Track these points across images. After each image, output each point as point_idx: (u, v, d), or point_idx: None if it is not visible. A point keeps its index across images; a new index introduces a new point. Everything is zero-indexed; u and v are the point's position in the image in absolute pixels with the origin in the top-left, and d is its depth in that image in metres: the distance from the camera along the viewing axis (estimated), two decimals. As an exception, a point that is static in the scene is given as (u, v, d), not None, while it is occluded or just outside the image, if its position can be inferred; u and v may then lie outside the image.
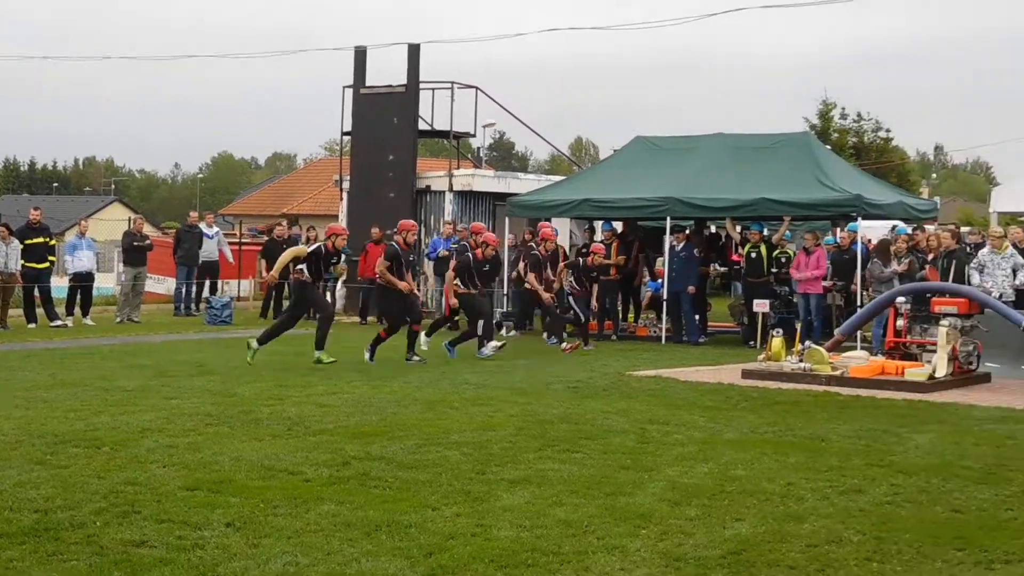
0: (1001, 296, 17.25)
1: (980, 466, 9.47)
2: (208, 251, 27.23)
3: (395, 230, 18.26)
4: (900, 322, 16.25)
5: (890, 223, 23.15)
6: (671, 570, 6.47)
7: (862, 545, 6.99)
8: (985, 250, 18.39)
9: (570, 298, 20.53)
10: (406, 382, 14.52)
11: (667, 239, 21.71)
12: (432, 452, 9.70)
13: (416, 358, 17.04)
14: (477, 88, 28.72)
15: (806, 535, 7.21)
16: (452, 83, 28.09)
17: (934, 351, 15.26)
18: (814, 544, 7.00)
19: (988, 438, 10.87)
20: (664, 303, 21.83)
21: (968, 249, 19.46)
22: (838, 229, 22.54)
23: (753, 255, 21.16)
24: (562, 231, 25.85)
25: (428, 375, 15.41)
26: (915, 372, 14.92)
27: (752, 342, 20.47)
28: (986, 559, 6.72)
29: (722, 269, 25.62)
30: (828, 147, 33.40)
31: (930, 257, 19.47)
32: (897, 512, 7.87)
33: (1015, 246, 18.63)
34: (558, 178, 29.29)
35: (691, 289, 21.48)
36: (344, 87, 28.65)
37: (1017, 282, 17.83)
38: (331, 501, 7.88)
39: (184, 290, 27.00)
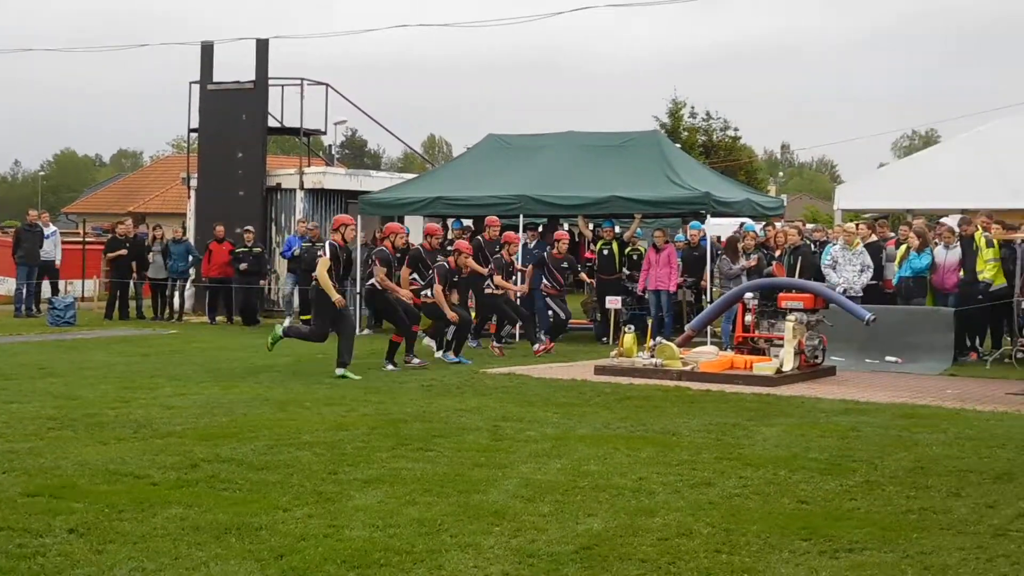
0: (846, 292, 17.73)
1: (825, 458, 9.70)
2: (47, 251, 26.57)
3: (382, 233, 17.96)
4: (748, 317, 16.61)
5: (738, 220, 23.64)
6: (524, 566, 6.48)
7: (712, 537, 7.10)
8: (837, 247, 18.87)
9: (547, 299, 20.33)
10: (257, 382, 14.34)
11: (520, 237, 21.80)
12: (283, 453, 9.58)
13: (416, 360, 16.50)
14: (328, 85, 28.52)
15: (657, 528, 7.29)
16: (302, 79, 27.82)
17: (781, 346, 15.61)
18: (665, 537, 7.09)
19: (833, 430, 11.14)
20: (519, 300, 21.88)
21: (813, 246, 19.96)
22: (687, 226, 22.92)
23: (605, 252, 21.42)
24: (415, 230, 25.76)
25: (279, 375, 15.23)
26: (763, 367, 15.25)
27: (605, 338, 20.71)
28: (831, 548, 6.88)
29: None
30: (678, 145, 34.03)
31: (777, 253, 19.90)
32: (745, 504, 8.01)
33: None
34: (411, 176, 29.23)
35: (544, 285, 21.58)
36: (191, 83, 28.18)
37: (863, 280, 18.34)
38: (179, 504, 7.72)
39: (25, 291, 26.24)
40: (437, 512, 7.63)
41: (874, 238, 19.60)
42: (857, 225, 21.00)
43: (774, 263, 19.68)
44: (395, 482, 8.55)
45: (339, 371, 15.06)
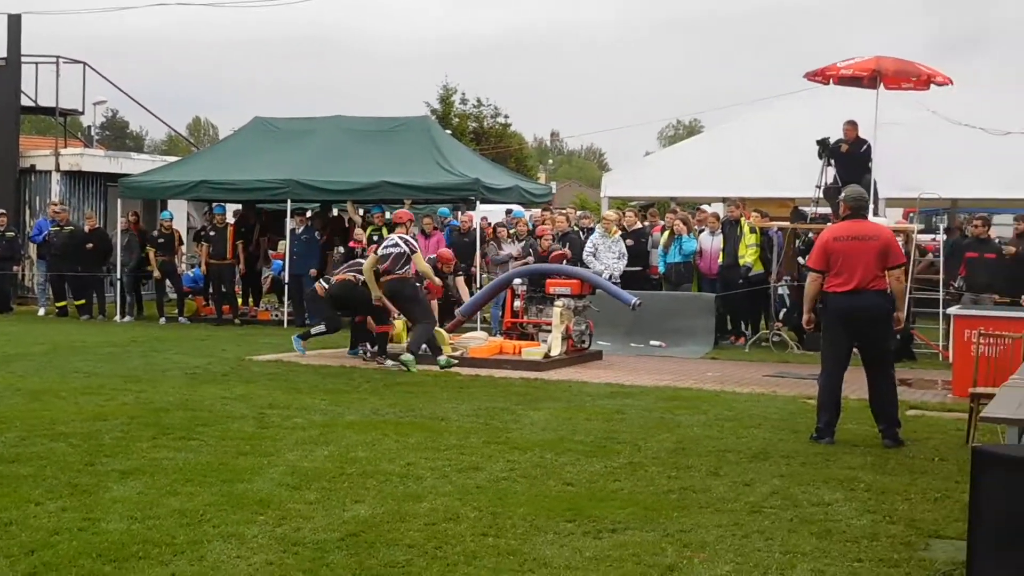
0: (611, 277, 18.13)
1: (591, 440, 9.90)
2: None
3: None
4: (517, 303, 16.80)
5: (507, 207, 23.89)
6: (289, 555, 6.40)
7: (479, 521, 7.15)
8: (596, 235, 19.27)
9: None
10: (9, 371, 13.76)
11: (288, 222, 21.53)
12: (36, 444, 9.22)
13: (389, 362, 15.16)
14: (85, 63, 27.55)
15: (424, 514, 7.31)
16: (58, 57, 26.81)
17: (549, 331, 15.85)
18: (432, 522, 7.11)
19: (599, 413, 11.39)
20: (286, 287, 21.64)
21: (581, 233, 20.33)
22: (459, 212, 23.03)
23: (376, 239, 21.27)
24: (179, 215, 25.18)
25: (33, 364, 14.65)
26: (531, 352, 15.45)
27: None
28: (595, 528, 7.03)
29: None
30: (448, 132, 34.12)
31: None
32: (513, 487, 8.11)
33: (624, 230, 19.63)
34: (176, 159, 28.48)
35: (312, 272, 21.37)
36: (-66, 59, 26.78)
37: (620, 266, 18.77)
38: (-80, 501, 7.35)
39: None
40: (199, 502, 7.47)
41: (639, 225, 20.09)
42: (624, 212, 21.52)
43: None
44: (156, 472, 8.33)
45: (406, 356, 14.65)
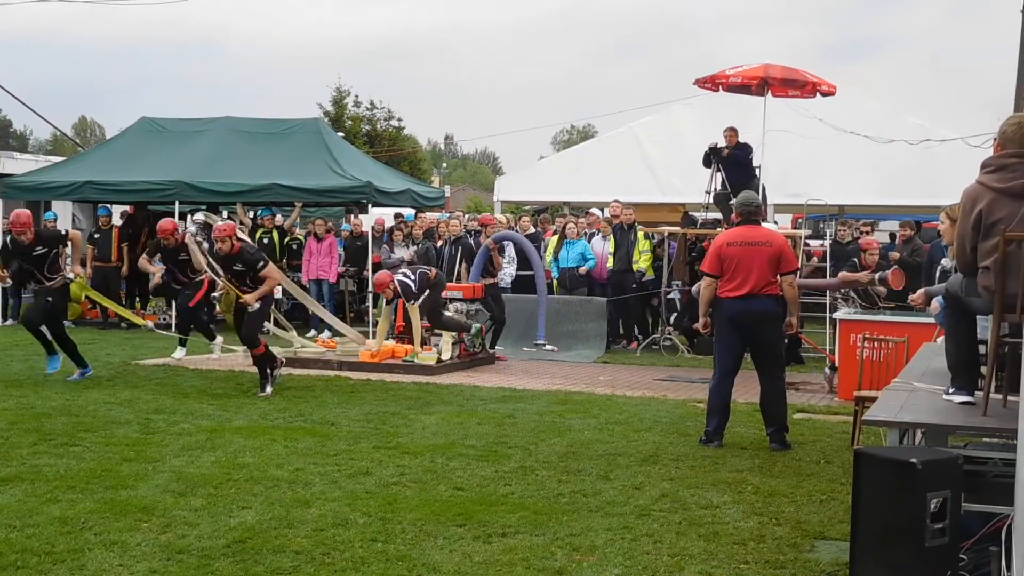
0: (501, 281, 18.11)
1: (483, 444, 9.91)
2: None
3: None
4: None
5: (400, 210, 23.79)
6: (173, 563, 6.30)
7: (368, 527, 7.11)
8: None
9: None
10: None
11: (181, 224, 21.22)
12: (-90, 452, 8.97)
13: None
14: (-36, 61, 26.85)
15: (313, 520, 7.25)
16: (-67, 53, 26.10)
17: (441, 335, 15.82)
18: (321, 528, 7.05)
19: (491, 417, 11.40)
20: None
21: (470, 236, 20.29)
22: (351, 216, 22.88)
23: (265, 241, 21.10)
24: (63, 215, 24.65)
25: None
26: (424, 356, 15.40)
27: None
28: (484, 533, 7.03)
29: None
30: (341, 134, 33.90)
31: (439, 243, 20.15)
32: (403, 492, 8.08)
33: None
34: (60, 159, 27.89)
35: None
36: None
37: (511, 271, 18.76)
38: None
39: None
40: (81, 509, 7.33)
41: (532, 230, 20.13)
42: (520, 218, 21.55)
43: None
44: (36, 479, 8.16)
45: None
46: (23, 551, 6.41)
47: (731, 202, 11.15)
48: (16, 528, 6.88)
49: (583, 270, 18.85)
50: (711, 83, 18.22)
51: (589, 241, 19.29)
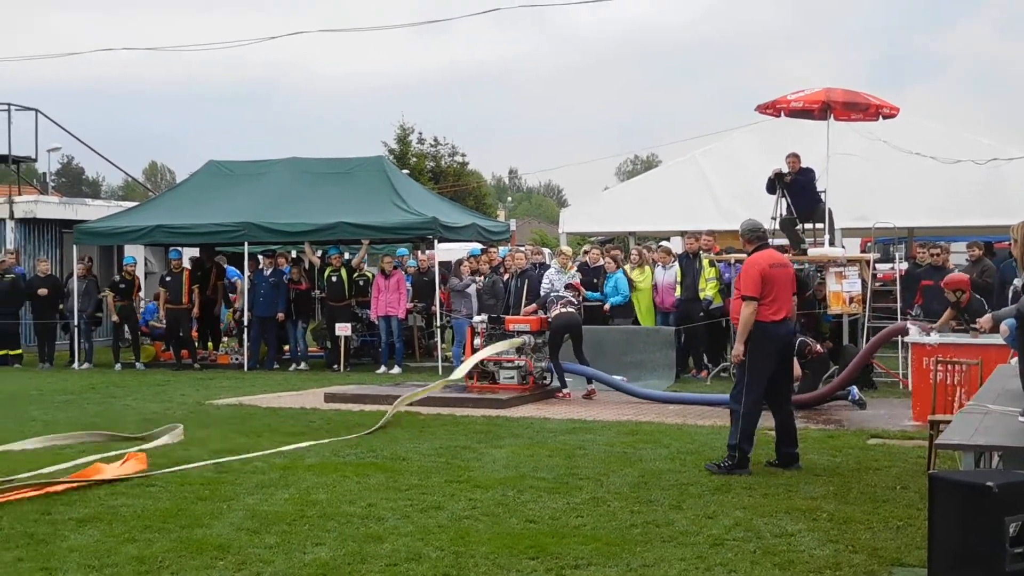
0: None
1: (553, 476, 9.87)
2: None
3: None
4: (477, 340, 16.74)
5: (467, 245, 23.87)
6: (249, 600, 6.35)
7: (440, 560, 7.11)
8: (552, 270, 19.25)
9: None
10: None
11: (246, 264, 21.48)
12: (-9, 495, 9.10)
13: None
14: (36, 110, 27.43)
15: (386, 555, 7.26)
16: (9, 104, 26.67)
17: (510, 367, 15.85)
18: (394, 563, 7.06)
19: (561, 449, 11.36)
20: (246, 329, 21.55)
21: (537, 269, 20.32)
22: (418, 252, 23.00)
23: (334, 279, 21.26)
24: (138, 257, 25.03)
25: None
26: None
27: (336, 365, 20.58)
28: (557, 565, 7.00)
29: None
30: (406, 171, 34.14)
31: (505, 276, 20.22)
32: (475, 526, 8.07)
33: (586, 265, 19.64)
34: (132, 204, 28.31)
35: (280, 316, 21.32)
36: None
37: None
38: None
39: None
40: (157, 548, 7.41)
41: (600, 262, 20.10)
42: (585, 251, 21.52)
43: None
44: (113, 520, 8.25)
45: None
46: (102, 591, 6.49)
47: (740, 229, 10.96)
48: (95, 568, 6.96)
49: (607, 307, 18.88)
50: (772, 109, 18.11)
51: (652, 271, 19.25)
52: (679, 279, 18.91)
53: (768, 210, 18.28)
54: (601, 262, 19.76)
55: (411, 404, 14.77)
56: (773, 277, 10.13)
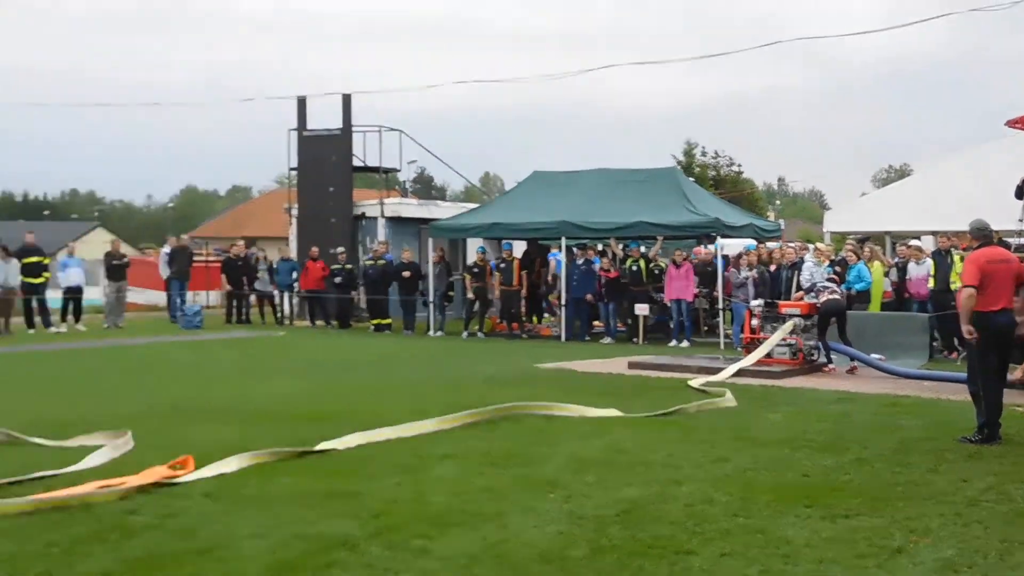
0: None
1: (822, 439, 9.57)
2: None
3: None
4: (754, 322, 16.43)
5: (744, 241, 23.45)
6: (575, 526, 6.45)
7: (730, 504, 7.03)
8: (810, 263, 18.69)
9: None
10: (356, 375, 14.33)
11: (562, 256, 21.85)
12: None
13: None
14: (401, 131, 28.58)
15: (684, 496, 7.23)
16: (380, 127, 27.93)
17: (784, 344, 15.46)
18: (691, 504, 7.03)
19: (828, 416, 11.01)
20: (563, 307, 21.89)
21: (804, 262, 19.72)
22: (702, 247, 22.74)
23: (634, 268, 21.31)
24: (472, 250, 25.79)
25: (371, 370, 15.21)
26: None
27: (635, 339, 20.62)
28: (830, 514, 6.78)
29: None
30: (692, 179, 33.76)
31: (773, 268, 19.79)
32: (757, 477, 7.93)
33: (833, 261, 18.94)
34: (471, 206, 29.19)
35: (589, 297, 21.61)
36: (289, 130, 28.35)
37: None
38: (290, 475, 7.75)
39: (179, 300, 26.45)
40: (502, 481, 7.62)
41: (868, 254, 19.33)
42: (850, 248, 20.77)
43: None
44: (468, 457, 8.55)
45: None
46: (461, 512, 6.74)
47: (968, 228, 10.39)
48: (455, 494, 7.23)
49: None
50: (1022, 124, 16.92)
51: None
52: (932, 272, 17.98)
53: (1013, 214, 17.12)
54: (842, 254, 19.08)
55: (698, 372, 14.64)
56: (992, 272, 9.58)
